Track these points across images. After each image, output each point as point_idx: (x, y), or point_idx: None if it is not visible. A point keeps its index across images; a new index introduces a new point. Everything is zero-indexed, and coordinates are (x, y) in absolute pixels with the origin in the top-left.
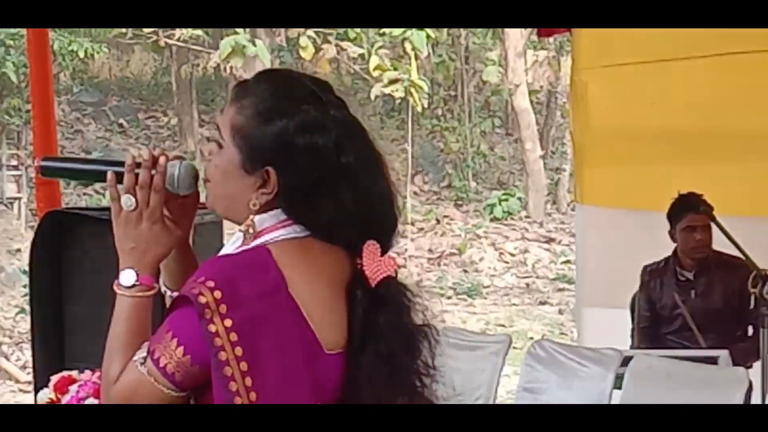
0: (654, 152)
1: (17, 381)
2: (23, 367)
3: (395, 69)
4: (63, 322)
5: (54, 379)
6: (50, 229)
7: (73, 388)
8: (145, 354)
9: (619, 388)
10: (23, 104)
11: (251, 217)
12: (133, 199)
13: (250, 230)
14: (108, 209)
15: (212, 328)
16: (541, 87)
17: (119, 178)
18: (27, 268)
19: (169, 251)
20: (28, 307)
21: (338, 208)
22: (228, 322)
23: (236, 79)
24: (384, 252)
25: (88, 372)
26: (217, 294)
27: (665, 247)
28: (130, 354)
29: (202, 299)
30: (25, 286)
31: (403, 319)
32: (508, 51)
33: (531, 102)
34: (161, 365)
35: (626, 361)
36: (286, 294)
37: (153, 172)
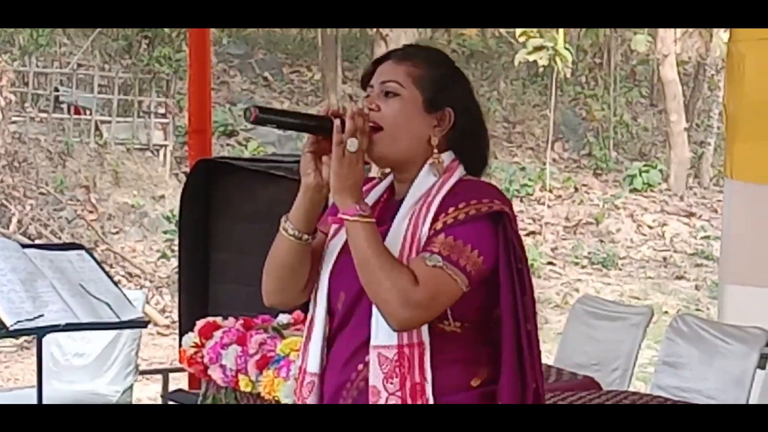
0: None
1: (156, 324)
2: (162, 311)
3: (541, 36)
4: (208, 269)
5: (199, 324)
6: (200, 177)
7: (218, 333)
8: (439, 259)
9: (763, 368)
10: (173, 53)
11: (437, 153)
12: (357, 143)
13: (440, 161)
14: (257, 160)
15: (518, 233)
16: (690, 58)
17: (322, 130)
18: (169, 214)
19: None
20: (169, 252)
21: (481, 150)
22: (518, 230)
23: (382, 37)
24: None
25: (231, 319)
26: (507, 209)
27: None
28: (401, 263)
29: (508, 211)
30: (166, 232)
31: None
32: None
33: (678, 73)
34: (461, 265)
35: None
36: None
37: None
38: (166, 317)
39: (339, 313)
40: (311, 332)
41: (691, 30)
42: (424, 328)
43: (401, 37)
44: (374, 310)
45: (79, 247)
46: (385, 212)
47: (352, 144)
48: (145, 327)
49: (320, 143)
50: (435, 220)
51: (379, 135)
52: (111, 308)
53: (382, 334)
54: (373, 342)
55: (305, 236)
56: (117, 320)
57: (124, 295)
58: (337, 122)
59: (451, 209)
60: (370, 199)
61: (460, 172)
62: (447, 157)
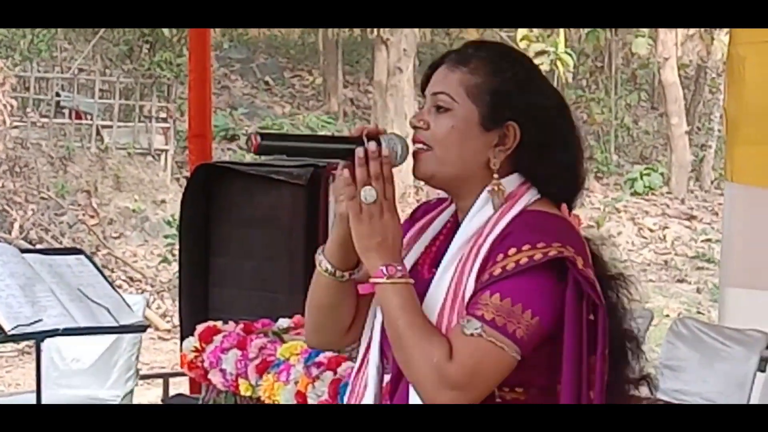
0: None
1: (157, 329)
2: (163, 315)
3: (542, 40)
4: (209, 273)
5: (199, 328)
6: (200, 181)
7: (218, 338)
8: (478, 326)
9: (763, 371)
10: (174, 58)
11: (496, 179)
12: (374, 192)
13: (500, 188)
14: (257, 165)
15: (588, 273)
16: (691, 61)
17: (346, 153)
18: (170, 219)
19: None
20: (170, 257)
21: (560, 168)
22: (590, 272)
23: (383, 41)
24: (569, 211)
25: (231, 323)
26: (569, 251)
27: None
28: (437, 334)
29: (569, 255)
30: (167, 237)
31: (601, 269)
32: None
33: (679, 76)
34: (509, 331)
35: None
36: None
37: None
38: (168, 321)
39: (392, 371)
40: (365, 390)
41: (692, 33)
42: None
43: (402, 41)
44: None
45: (78, 251)
46: (444, 249)
47: (368, 195)
48: (144, 331)
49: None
50: (482, 269)
51: (426, 155)
52: (110, 313)
53: None
54: None
55: (339, 272)
56: (116, 325)
57: (123, 299)
58: (346, 172)
59: (500, 256)
60: (433, 230)
61: (527, 199)
62: (512, 181)
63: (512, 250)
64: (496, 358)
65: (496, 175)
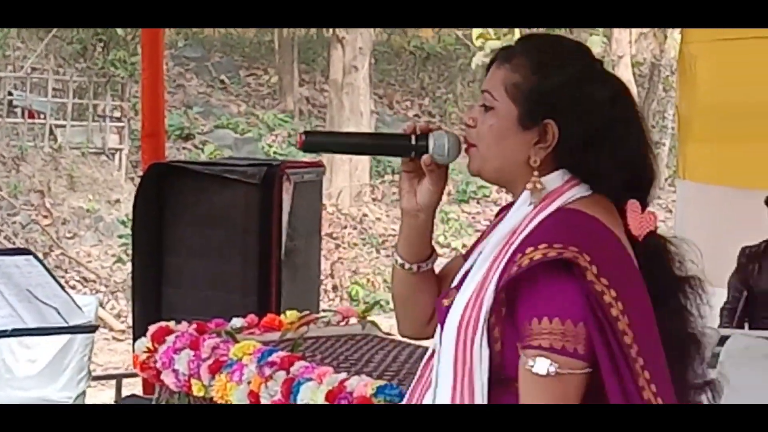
0: (762, 130)
1: (111, 329)
2: (117, 316)
3: (499, 38)
4: (162, 273)
5: (152, 329)
6: (153, 181)
7: (170, 338)
8: (547, 364)
9: (714, 367)
10: (128, 57)
11: (536, 176)
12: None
13: (537, 186)
14: (211, 164)
15: (597, 287)
16: (645, 59)
17: (393, 149)
18: (125, 219)
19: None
20: (125, 257)
21: (615, 163)
22: (605, 281)
23: (338, 40)
24: (643, 208)
25: (184, 323)
26: (586, 256)
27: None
28: None
29: (582, 263)
30: (121, 236)
31: (670, 270)
32: None
33: (633, 74)
34: (570, 351)
35: (723, 340)
36: (623, 249)
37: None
38: (122, 322)
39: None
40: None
41: (645, 31)
42: (480, 385)
43: (358, 39)
44: (436, 362)
45: (27, 252)
46: None
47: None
48: (94, 332)
49: (416, 162)
50: (505, 269)
51: (472, 151)
52: (59, 313)
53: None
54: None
55: (408, 265)
56: (65, 325)
57: (73, 300)
58: (407, 166)
59: (518, 256)
60: (505, 225)
61: (567, 197)
62: (555, 178)
63: (529, 249)
64: (575, 386)
65: (536, 173)
